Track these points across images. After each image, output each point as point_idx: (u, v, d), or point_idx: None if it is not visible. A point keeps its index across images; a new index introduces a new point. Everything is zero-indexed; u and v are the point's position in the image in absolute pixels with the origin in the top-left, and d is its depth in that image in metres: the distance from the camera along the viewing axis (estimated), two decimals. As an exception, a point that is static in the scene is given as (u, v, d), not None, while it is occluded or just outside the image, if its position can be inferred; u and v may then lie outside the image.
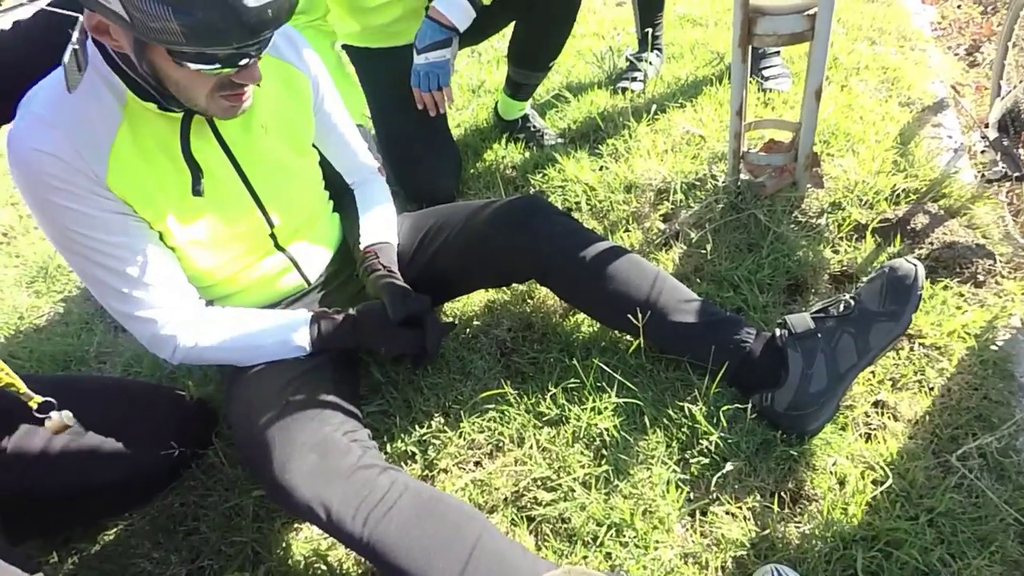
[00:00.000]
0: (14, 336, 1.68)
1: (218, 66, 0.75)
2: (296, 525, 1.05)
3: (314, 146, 1.10)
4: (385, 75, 1.51)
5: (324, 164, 1.18)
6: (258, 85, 0.83)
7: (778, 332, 0.98)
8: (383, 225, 1.15)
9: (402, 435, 1.11)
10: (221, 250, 0.99)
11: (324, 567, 0.97)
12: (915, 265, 0.92)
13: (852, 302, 0.95)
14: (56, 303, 1.82)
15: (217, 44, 0.71)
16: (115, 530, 1.15)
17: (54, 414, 0.90)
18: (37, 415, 0.88)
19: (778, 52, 1.77)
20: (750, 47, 1.18)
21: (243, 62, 0.77)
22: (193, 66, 0.74)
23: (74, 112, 0.81)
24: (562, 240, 1.06)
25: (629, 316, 1.02)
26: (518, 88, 1.67)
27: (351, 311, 1.04)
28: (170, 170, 0.89)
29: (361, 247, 1.11)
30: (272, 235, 1.03)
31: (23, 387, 0.87)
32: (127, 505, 1.17)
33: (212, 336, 0.97)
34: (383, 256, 1.08)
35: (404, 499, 0.83)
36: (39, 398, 0.89)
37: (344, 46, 1.56)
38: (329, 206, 1.18)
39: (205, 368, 1.36)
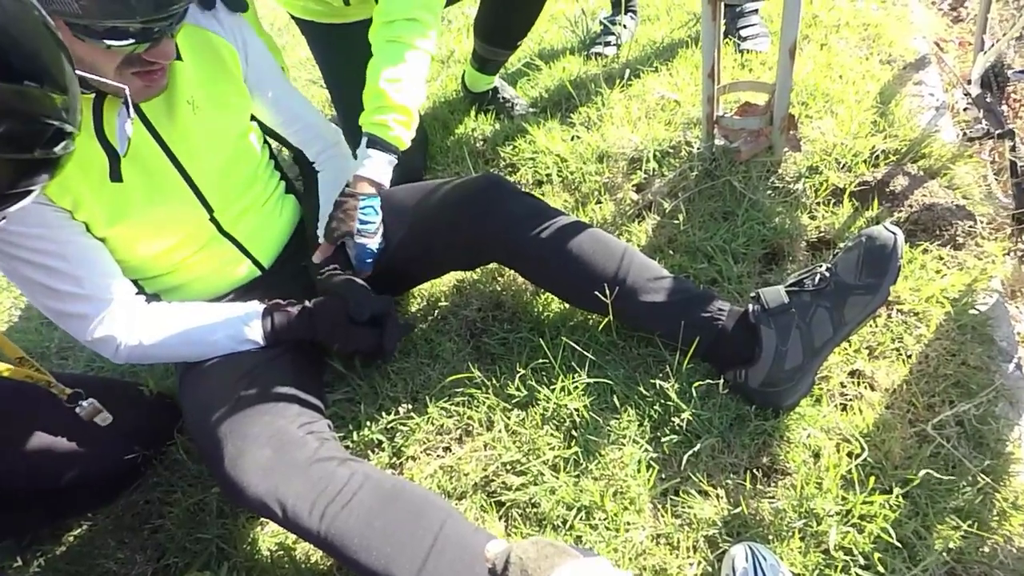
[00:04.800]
0: (-27, 333, 1.63)
1: (130, 42, 0.69)
2: (261, 520, 1.03)
3: (256, 120, 1.03)
4: (337, 52, 1.43)
5: (283, 141, 1.11)
6: (179, 58, 0.77)
7: (751, 307, 0.94)
8: None
9: (368, 423, 1.08)
10: (157, 238, 0.93)
11: (289, 561, 0.95)
12: (894, 233, 0.86)
13: (827, 274, 0.90)
14: (16, 299, 1.76)
15: (118, 18, 0.65)
16: (79, 530, 1.12)
17: (84, 403, 0.94)
18: (67, 405, 0.93)
19: (756, 11, 1.70)
20: (722, 3, 1.11)
21: (153, 37, 0.71)
22: (95, 42, 0.68)
23: None
24: (525, 222, 1.00)
25: (597, 294, 0.97)
26: (485, 63, 1.59)
27: (307, 304, 0.99)
28: (86, 155, 0.82)
29: (320, 239, 1.05)
30: (213, 219, 0.98)
31: (52, 380, 0.90)
32: (90, 504, 1.14)
33: (158, 333, 0.93)
34: (340, 252, 1.03)
35: (364, 490, 0.80)
36: (68, 390, 0.92)
37: (292, 17, 1.47)
38: (281, 186, 1.12)
39: (166, 361, 1.32)
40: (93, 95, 0.80)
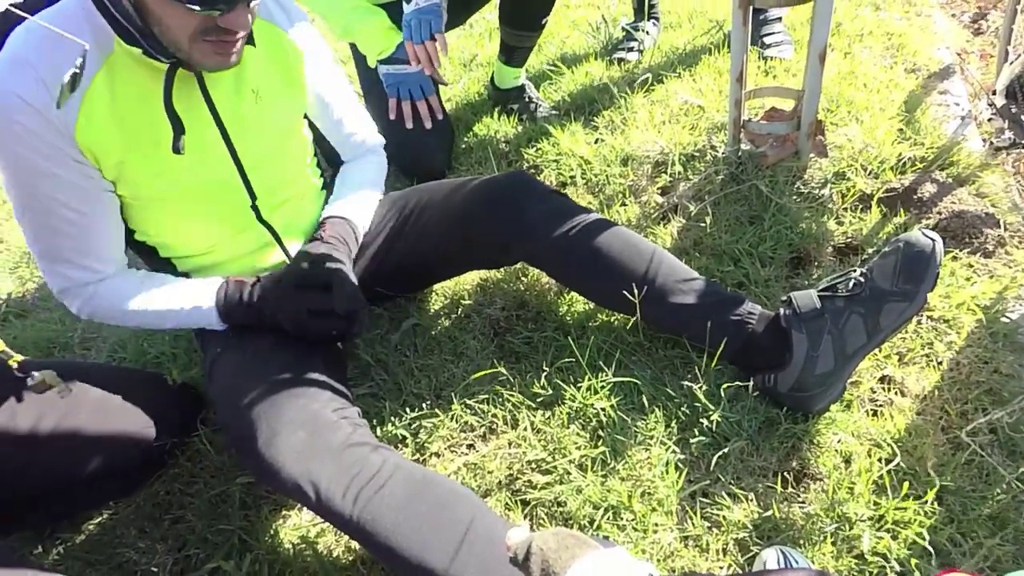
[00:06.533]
0: (-4, 322, 1.64)
1: (204, 7, 0.73)
2: (284, 512, 1.02)
3: (306, 118, 1.06)
4: None
5: (321, 140, 1.13)
6: (253, 44, 0.82)
7: (783, 311, 0.93)
8: (351, 200, 1.10)
9: (392, 418, 1.07)
10: (197, 216, 0.95)
11: (312, 554, 0.94)
12: (933, 240, 0.84)
13: (862, 280, 0.89)
14: (40, 288, 1.77)
15: None
16: (100, 520, 1.12)
17: (36, 373, 0.87)
18: (18, 374, 0.86)
19: (780, 18, 1.71)
20: (751, 9, 1.12)
21: (227, 4, 0.74)
22: (180, 4, 0.72)
23: (52, 54, 0.77)
24: (550, 221, 1.00)
25: (625, 293, 0.97)
26: (512, 52, 1.60)
27: (259, 279, 0.99)
28: (146, 123, 0.84)
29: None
30: (255, 207, 0.99)
31: (4, 347, 0.85)
32: (112, 494, 1.14)
33: (121, 295, 0.95)
34: (330, 229, 1.04)
35: (396, 479, 0.79)
36: (20, 357, 0.86)
37: None
38: (319, 183, 1.14)
39: (189, 352, 1.32)
40: (167, 65, 0.82)
